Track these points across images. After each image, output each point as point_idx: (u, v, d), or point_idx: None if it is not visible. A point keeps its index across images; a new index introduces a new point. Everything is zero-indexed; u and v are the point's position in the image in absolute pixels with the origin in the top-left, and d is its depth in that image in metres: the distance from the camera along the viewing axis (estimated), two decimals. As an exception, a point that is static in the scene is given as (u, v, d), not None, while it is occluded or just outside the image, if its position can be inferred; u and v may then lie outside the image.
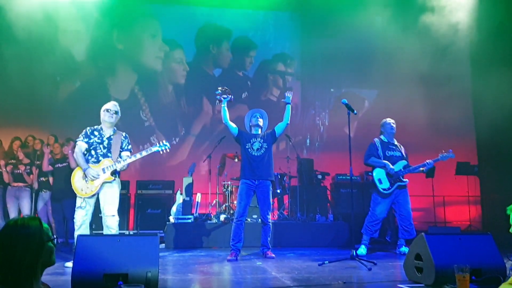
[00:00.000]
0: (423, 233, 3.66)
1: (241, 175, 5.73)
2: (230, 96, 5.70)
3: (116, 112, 5.16)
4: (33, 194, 7.32)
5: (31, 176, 7.30)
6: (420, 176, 9.33)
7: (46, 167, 7.21)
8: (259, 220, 5.81)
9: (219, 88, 5.72)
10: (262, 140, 5.69)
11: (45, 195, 7.39)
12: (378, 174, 6.06)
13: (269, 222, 5.65)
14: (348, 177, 7.95)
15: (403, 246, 6.03)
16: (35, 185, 7.31)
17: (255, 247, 6.32)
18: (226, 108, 5.68)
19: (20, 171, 7.27)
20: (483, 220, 10.06)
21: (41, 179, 7.38)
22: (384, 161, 6.05)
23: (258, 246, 5.91)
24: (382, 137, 6.26)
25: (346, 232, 7.26)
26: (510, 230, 2.74)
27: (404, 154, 6.22)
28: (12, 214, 7.19)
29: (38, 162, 7.31)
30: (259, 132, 5.79)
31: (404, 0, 9.84)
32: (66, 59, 9.58)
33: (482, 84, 9.54)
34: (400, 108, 9.15)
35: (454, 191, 9.98)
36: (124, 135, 5.25)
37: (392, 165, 6.01)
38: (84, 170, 4.94)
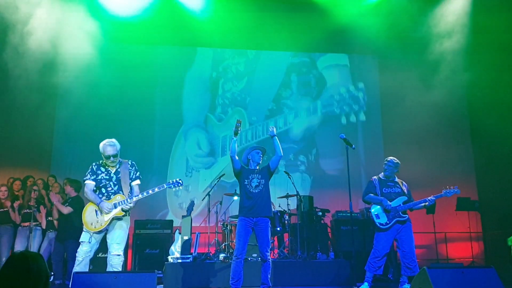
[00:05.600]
0: (425, 267, 3.62)
1: (239, 212, 5.69)
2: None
3: (114, 144, 5.01)
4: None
5: (41, 214, 7.23)
6: (421, 213, 9.26)
7: (65, 209, 7.08)
8: (259, 258, 5.72)
9: (239, 120, 5.56)
10: (260, 176, 5.68)
11: (51, 235, 7.35)
12: (376, 210, 6.10)
13: (269, 259, 5.55)
14: (348, 214, 7.87)
15: (406, 284, 5.93)
16: (43, 224, 7.26)
17: (255, 286, 6.20)
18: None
19: (29, 211, 7.18)
20: (486, 256, 9.89)
21: (48, 218, 7.34)
22: (380, 197, 6.07)
23: (258, 285, 5.77)
24: (381, 175, 6.31)
25: (347, 270, 7.12)
26: (513, 261, 2.70)
27: (405, 190, 6.22)
28: None
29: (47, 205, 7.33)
30: (257, 167, 5.80)
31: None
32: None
33: (480, 118, 9.65)
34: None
35: (456, 228, 9.88)
36: (130, 163, 5.18)
37: (390, 201, 6.02)
38: (98, 203, 4.88)
